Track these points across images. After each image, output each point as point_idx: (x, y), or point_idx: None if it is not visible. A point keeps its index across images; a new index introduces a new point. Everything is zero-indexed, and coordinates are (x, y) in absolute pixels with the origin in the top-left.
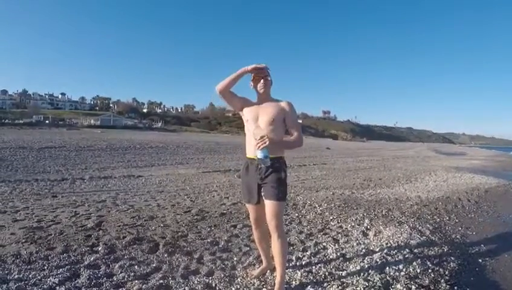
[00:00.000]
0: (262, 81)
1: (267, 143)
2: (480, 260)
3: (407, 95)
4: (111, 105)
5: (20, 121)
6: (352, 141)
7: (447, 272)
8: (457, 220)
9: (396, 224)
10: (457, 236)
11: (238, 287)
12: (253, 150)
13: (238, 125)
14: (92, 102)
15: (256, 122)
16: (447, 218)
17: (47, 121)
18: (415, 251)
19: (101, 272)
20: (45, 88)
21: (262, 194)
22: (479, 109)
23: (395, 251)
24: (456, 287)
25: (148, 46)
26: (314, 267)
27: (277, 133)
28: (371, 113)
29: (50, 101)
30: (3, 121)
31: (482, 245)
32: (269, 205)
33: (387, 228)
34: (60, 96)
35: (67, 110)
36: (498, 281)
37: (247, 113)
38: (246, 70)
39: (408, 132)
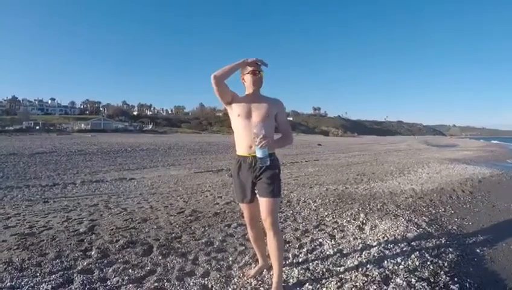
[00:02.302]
0: (257, 77)
1: (270, 142)
2: (478, 250)
3: (397, 89)
4: (101, 109)
5: (10, 128)
6: (343, 136)
7: (446, 264)
8: (452, 211)
9: (392, 217)
10: (454, 227)
11: (235, 287)
12: (246, 147)
13: (229, 125)
14: (82, 106)
15: (250, 118)
16: (443, 209)
17: (37, 127)
18: (413, 243)
19: (94, 277)
20: (35, 94)
21: (256, 191)
22: (468, 100)
23: (393, 244)
24: (456, 279)
25: (137, 48)
26: (311, 264)
27: (269, 129)
28: (361, 108)
29: (40, 106)
30: None
31: (479, 235)
32: (264, 202)
33: (383, 222)
34: (49, 101)
35: (57, 115)
36: (497, 271)
37: (237, 108)
38: (246, 62)
39: (399, 126)
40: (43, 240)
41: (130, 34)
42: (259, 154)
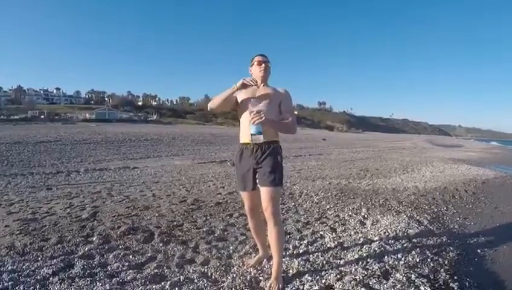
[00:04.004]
0: (262, 66)
1: (263, 118)
2: (479, 251)
3: (403, 86)
4: (106, 99)
5: (16, 117)
6: (347, 132)
7: (446, 262)
8: (455, 211)
9: (394, 213)
10: (456, 226)
11: (235, 276)
12: (248, 134)
13: (234, 117)
14: (87, 96)
15: (251, 104)
16: (445, 208)
17: (42, 116)
18: (414, 240)
19: (95, 262)
20: (40, 83)
21: (257, 181)
22: (475, 101)
23: (393, 240)
24: (455, 277)
25: (142, 39)
26: (311, 256)
27: (271, 115)
28: (366, 104)
29: (45, 96)
30: None
31: (480, 236)
32: (265, 191)
33: (385, 217)
34: (55, 91)
35: (62, 104)
36: (497, 272)
37: (241, 95)
38: (236, 88)
39: (404, 123)
40: (45, 226)
41: (135, 25)
42: (252, 130)
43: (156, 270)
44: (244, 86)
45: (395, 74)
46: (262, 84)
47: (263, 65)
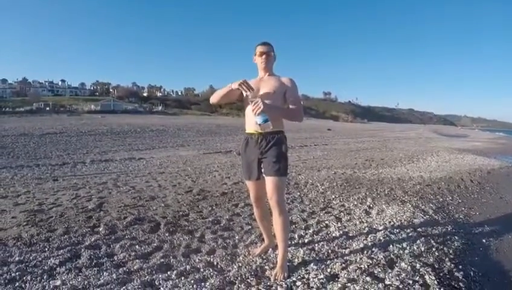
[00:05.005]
0: (263, 57)
1: (261, 106)
2: (484, 240)
3: (409, 76)
4: (111, 90)
5: (21, 109)
6: (353, 122)
7: (451, 251)
8: (460, 200)
9: (399, 203)
10: (461, 216)
11: (240, 265)
12: (253, 124)
13: (238, 108)
14: (92, 88)
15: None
16: (450, 198)
17: (47, 108)
18: (419, 229)
19: (101, 252)
20: (45, 75)
21: (262, 170)
22: (481, 91)
23: (399, 229)
24: (460, 266)
25: (147, 29)
26: (316, 245)
27: (276, 104)
28: (372, 94)
29: (50, 88)
30: (3, 109)
31: (485, 225)
32: (270, 180)
33: (390, 207)
34: (60, 83)
35: (67, 96)
36: (502, 261)
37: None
38: (231, 88)
39: (409, 114)
40: (52, 217)
41: (139, 14)
42: (258, 120)
43: (162, 260)
44: (240, 86)
45: (401, 64)
46: (266, 74)
47: (264, 56)
